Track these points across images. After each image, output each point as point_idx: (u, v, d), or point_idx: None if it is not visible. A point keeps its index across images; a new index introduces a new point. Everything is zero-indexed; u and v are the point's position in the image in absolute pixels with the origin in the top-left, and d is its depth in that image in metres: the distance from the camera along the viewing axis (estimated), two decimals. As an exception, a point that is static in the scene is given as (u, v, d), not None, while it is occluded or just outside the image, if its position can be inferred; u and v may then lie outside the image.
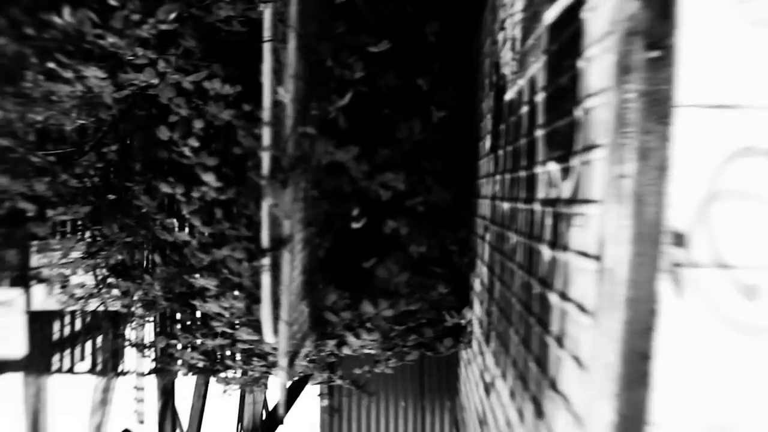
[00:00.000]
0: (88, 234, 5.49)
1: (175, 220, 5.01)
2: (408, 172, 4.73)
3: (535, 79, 3.01)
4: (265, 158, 3.68)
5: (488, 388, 4.11)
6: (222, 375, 5.67)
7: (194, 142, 4.35)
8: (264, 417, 13.53)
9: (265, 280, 3.72)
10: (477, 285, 5.01)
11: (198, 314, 5.92)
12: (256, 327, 4.76)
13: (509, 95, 3.83)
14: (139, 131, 4.92)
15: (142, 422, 7.53)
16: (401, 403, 6.63)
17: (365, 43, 4.31)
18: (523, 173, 3.22)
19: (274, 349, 5.01)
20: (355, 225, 4.73)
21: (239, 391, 13.48)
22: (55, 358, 6.89)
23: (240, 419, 13.19)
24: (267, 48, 3.63)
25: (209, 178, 4.40)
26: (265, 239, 3.70)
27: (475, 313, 5.09)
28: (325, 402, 6.53)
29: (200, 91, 4.34)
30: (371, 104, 4.72)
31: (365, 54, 4.48)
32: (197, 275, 4.57)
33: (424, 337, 5.39)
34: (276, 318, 3.73)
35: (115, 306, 6.34)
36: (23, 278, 6.68)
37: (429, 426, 6.68)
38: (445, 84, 4.99)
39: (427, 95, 4.89)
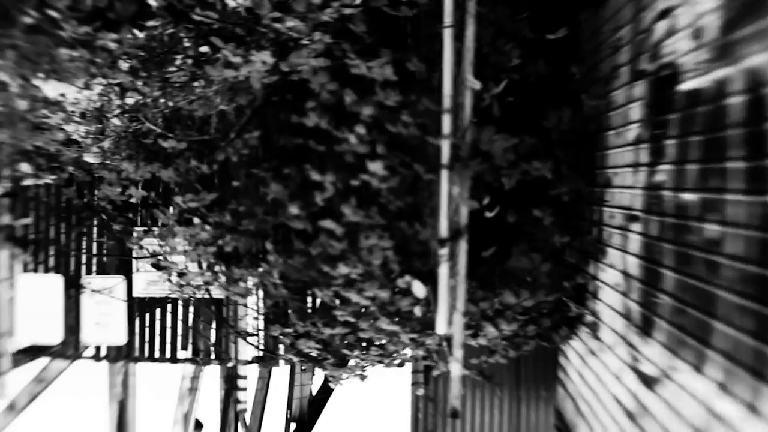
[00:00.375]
0: (197, 221, 5.41)
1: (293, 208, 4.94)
2: (553, 161, 4.69)
3: (763, 70, 2.96)
4: (445, 147, 3.62)
5: (650, 380, 4.10)
6: (331, 364, 5.64)
7: (361, 129, 4.26)
8: (311, 402, 13.58)
9: (443, 270, 3.67)
10: (609, 275, 4.98)
11: (307, 303, 5.88)
12: (393, 316, 4.72)
13: (689, 85, 3.78)
14: (274, 118, 4.83)
15: (241, 411, 7.52)
16: (497, 393, 6.64)
17: (521, 30, 4.24)
18: (737, 164, 3.18)
19: (414, 339, 4.98)
20: (488, 214, 4.69)
21: (288, 379, 13.50)
22: (156, 345, 6.84)
23: (289, 406, 13.25)
24: (447, 33, 3.55)
25: (376, 167, 4.32)
26: (444, 229, 3.65)
27: (605, 303, 5.07)
28: (421, 391, 6.52)
29: (364, 78, 4.26)
30: (518, 92, 4.66)
31: (520, 41, 4.42)
32: (339, 264, 4.51)
33: (541, 327, 5.37)
34: (452, 309, 3.69)
35: (220, 294, 6.28)
36: (126, 264, 6.61)
37: (525, 415, 6.70)
38: (596, 72, 4.93)
39: (578, 83, 4.84)
